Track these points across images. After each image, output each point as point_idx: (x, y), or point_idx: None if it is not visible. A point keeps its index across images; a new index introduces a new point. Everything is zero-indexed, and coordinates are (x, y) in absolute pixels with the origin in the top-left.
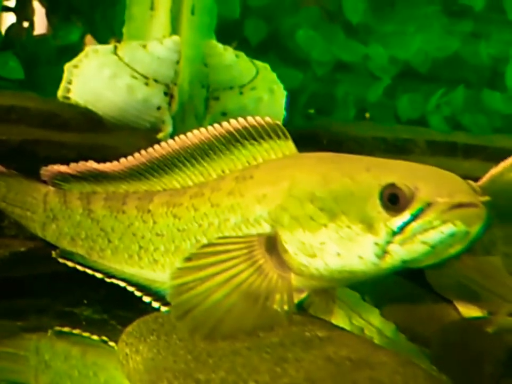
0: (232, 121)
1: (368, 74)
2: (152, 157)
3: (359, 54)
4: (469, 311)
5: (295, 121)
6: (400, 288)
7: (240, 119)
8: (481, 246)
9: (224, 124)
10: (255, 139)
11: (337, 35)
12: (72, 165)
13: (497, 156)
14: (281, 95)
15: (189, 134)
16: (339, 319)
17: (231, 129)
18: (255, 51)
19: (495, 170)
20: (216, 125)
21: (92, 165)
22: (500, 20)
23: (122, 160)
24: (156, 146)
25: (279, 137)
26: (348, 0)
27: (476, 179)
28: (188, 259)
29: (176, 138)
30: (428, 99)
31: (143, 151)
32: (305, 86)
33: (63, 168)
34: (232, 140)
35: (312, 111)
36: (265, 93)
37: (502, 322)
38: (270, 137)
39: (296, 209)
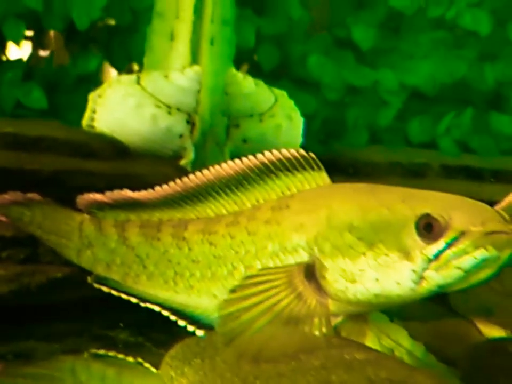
0: (267, 153)
1: (378, 99)
2: (187, 187)
3: (369, 79)
4: (491, 330)
5: (311, 147)
6: (423, 308)
7: (275, 151)
8: None
9: (259, 155)
10: (289, 170)
11: (348, 61)
12: (108, 193)
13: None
14: (298, 122)
15: (223, 164)
16: (368, 340)
17: (266, 160)
18: (267, 77)
19: None
20: (250, 157)
21: (126, 193)
22: (505, 44)
23: (157, 188)
24: (191, 176)
25: (312, 168)
26: (357, 27)
27: (489, 202)
28: (233, 291)
29: (211, 168)
30: (436, 122)
31: (177, 181)
32: (318, 112)
33: (98, 196)
34: (267, 171)
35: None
36: (284, 120)
37: None
38: (304, 168)
39: (335, 239)
